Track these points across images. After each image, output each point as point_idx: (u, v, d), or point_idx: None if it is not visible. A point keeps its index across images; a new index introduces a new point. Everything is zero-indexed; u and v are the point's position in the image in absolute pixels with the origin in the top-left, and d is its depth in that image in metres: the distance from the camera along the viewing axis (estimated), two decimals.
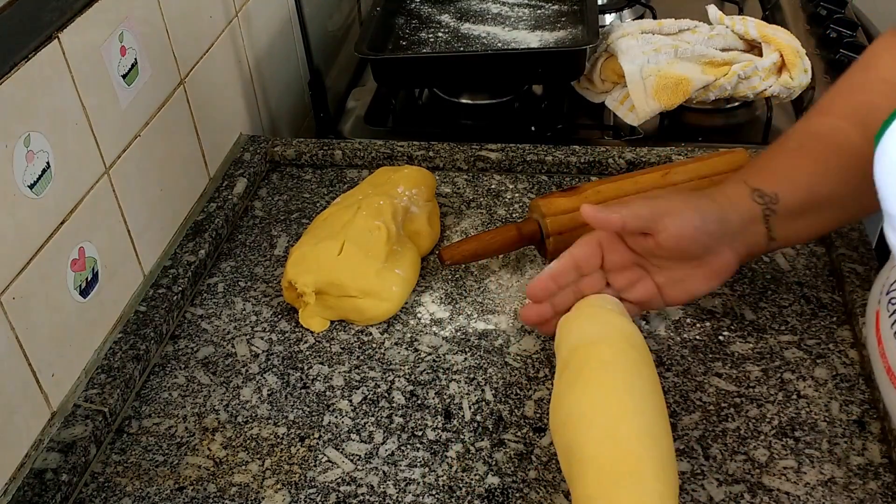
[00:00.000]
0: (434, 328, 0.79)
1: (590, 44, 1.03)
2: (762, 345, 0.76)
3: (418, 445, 0.69)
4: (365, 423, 0.71)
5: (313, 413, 0.72)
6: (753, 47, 1.09)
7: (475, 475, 0.67)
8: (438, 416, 0.71)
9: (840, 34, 1.20)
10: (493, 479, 0.66)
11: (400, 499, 0.65)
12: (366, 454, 0.69)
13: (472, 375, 0.74)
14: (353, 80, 1.27)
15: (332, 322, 0.81)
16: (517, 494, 0.65)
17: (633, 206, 0.69)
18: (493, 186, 0.96)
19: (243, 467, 0.68)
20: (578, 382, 0.64)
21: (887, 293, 0.68)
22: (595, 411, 0.62)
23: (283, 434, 0.71)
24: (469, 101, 1.16)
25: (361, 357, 0.77)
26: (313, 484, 0.67)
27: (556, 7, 1.17)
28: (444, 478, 0.67)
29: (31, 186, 0.66)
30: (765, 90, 1.03)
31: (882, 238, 1.03)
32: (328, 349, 0.78)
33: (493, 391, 0.73)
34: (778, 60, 1.04)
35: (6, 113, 0.63)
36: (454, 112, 1.16)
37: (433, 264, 0.86)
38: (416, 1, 1.21)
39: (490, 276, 0.84)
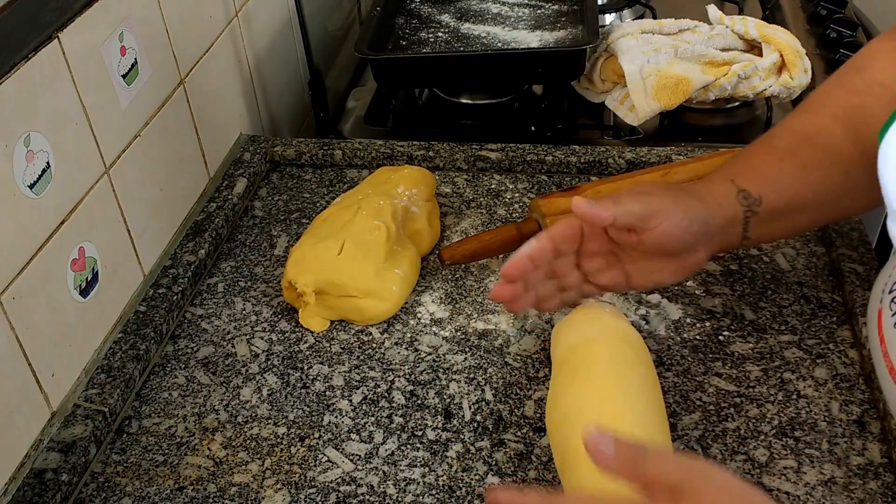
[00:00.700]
0: (434, 328, 0.79)
1: (590, 44, 1.03)
2: (762, 345, 0.76)
3: (418, 445, 0.69)
4: (365, 423, 0.71)
5: (313, 413, 0.72)
6: (753, 47, 1.09)
7: (475, 475, 0.67)
8: (438, 416, 0.71)
9: (840, 34, 1.20)
10: (493, 479, 0.66)
11: (400, 499, 0.65)
12: (366, 454, 0.69)
13: (472, 375, 0.75)
14: (353, 80, 1.27)
15: (332, 322, 0.81)
16: None
17: (624, 204, 0.68)
18: (493, 186, 0.96)
19: (243, 467, 0.68)
20: (576, 379, 0.64)
21: (889, 292, 0.68)
22: (591, 407, 0.62)
23: (283, 434, 0.71)
24: (469, 101, 1.16)
25: (361, 357, 0.77)
26: (313, 484, 0.67)
27: (556, 7, 1.17)
28: (444, 478, 0.67)
29: (31, 186, 0.66)
30: (765, 90, 1.03)
31: (882, 238, 1.03)
32: (328, 349, 0.78)
33: (493, 391, 0.73)
34: (778, 60, 1.04)
35: (6, 113, 0.63)
36: (454, 112, 1.16)
37: (433, 264, 0.86)
38: (416, 1, 1.21)
39: (490, 276, 0.84)
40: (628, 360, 0.66)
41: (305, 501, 0.66)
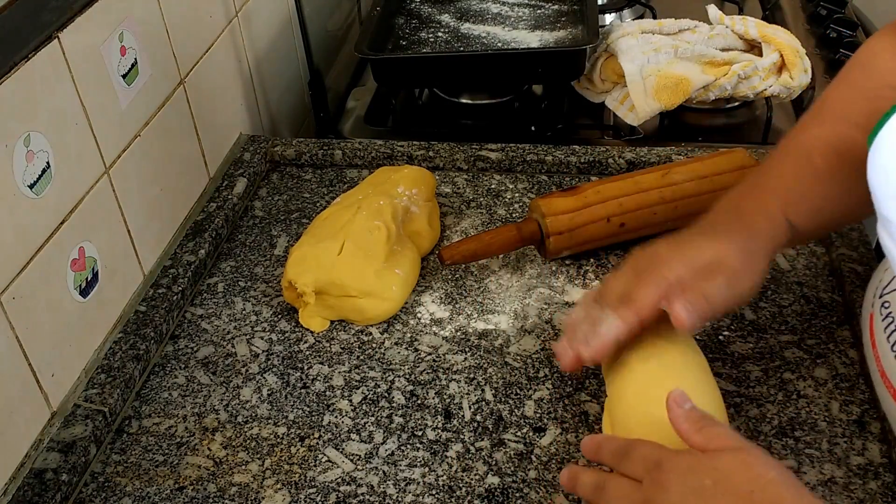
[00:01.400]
0: (434, 328, 0.79)
1: (590, 44, 1.03)
2: (762, 345, 0.76)
3: (418, 445, 0.69)
4: (365, 423, 0.71)
5: (313, 413, 0.72)
6: (753, 47, 1.09)
7: (475, 475, 0.67)
8: (438, 416, 0.71)
9: (840, 34, 1.20)
10: (493, 479, 0.66)
11: (400, 499, 0.65)
12: (366, 454, 0.69)
13: (472, 375, 0.75)
14: (353, 80, 1.27)
15: (332, 322, 0.81)
16: (517, 494, 0.65)
17: (713, 301, 0.62)
18: (493, 186, 0.96)
19: (243, 467, 0.68)
20: (669, 372, 0.64)
21: (880, 296, 0.68)
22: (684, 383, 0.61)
23: (283, 434, 0.71)
24: (469, 101, 1.16)
25: (361, 357, 0.77)
26: (313, 484, 0.67)
27: (556, 7, 1.17)
28: (444, 478, 0.67)
29: (31, 186, 0.66)
30: (765, 90, 1.03)
31: None
32: (328, 349, 0.78)
33: (493, 391, 0.73)
34: (778, 60, 1.04)
35: (6, 113, 0.63)
36: (454, 112, 1.16)
37: (433, 264, 0.86)
38: (416, 1, 1.21)
39: (490, 276, 0.84)
40: (702, 367, 0.66)
41: (305, 501, 0.66)
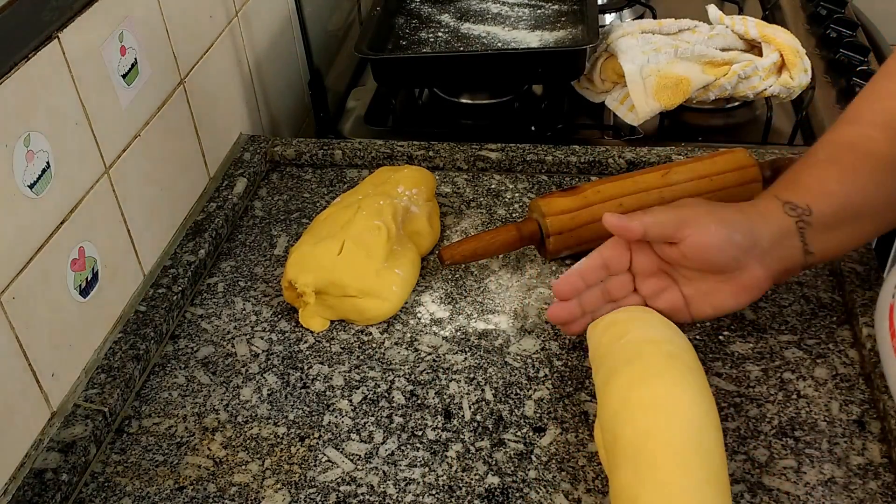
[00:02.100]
0: (434, 328, 0.79)
1: (590, 44, 1.03)
2: (762, 345, 0.76)
3: (418, 445, 0.69)
4: (365, 423, 0.71)
5: (313, 413, 0.72)
6: (753, 47, 1.09)
7: (475, 475, 0.67)
8: (438, 416, 0.71)
9: (840, 34, 1.20)
10: (493, 479, 0.66)
11: (400, 499, 0.65)
12: (366, 454, 0.69)
13: (472, 375, 0.75)
14: (353, 80, 1.27)
15: (332, 322, 0.81)
16: (517, 494, 0.65)
17: (655, 214, 0.68)
18: (493, 186, 0.96)
19: (243, 467, 0.68)
20: (652, 373, 0.62)
21: None
22: (670, 401, 0.60)
23: (283, 434, 0.71)
24: (469, 101, 1.16)
25: (361, 357, 0.77)
26: (313, 484, 0.67)
27: (556, 7, 1.17)
28: (444, 478, 0.67)
29: (31, 186, 0.66)
30: (765, 90, 1.03)
31: (882, 238, 1.03)
32: (328, 349, 0.78)
33: (493, 391, 0.73)
34: (778, 60, 1.04)
35: (6, 113, 0.63)
36: (454, 112, 1.16)
37: (433, 264, 0.86)
38: (416, 1, 1.21)
39: (490, 276, 0.84)
40: (695, 365, 0.65)
41: (305, 501, 0.66)
